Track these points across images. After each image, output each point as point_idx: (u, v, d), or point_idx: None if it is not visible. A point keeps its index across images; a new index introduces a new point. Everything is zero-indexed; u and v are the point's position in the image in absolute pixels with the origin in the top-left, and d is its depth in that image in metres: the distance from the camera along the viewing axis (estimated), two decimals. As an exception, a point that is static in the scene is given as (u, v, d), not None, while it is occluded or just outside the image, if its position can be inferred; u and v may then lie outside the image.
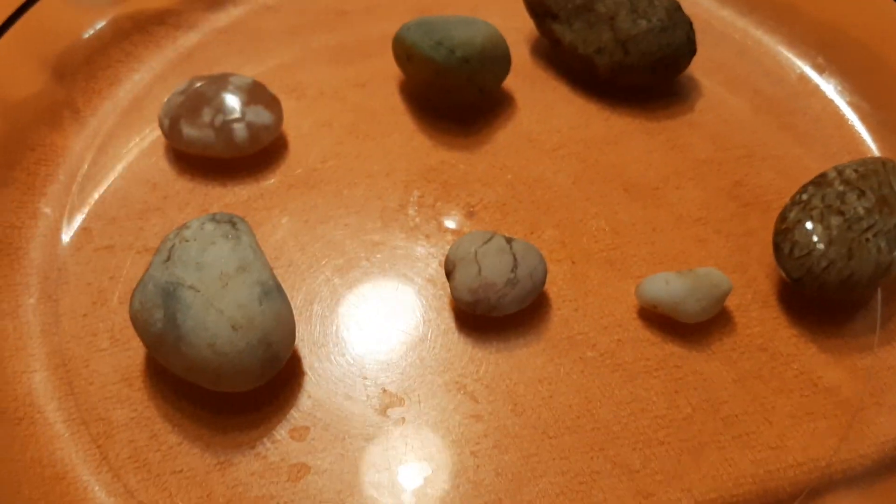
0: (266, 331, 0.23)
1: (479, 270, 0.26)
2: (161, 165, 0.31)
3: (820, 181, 0.27)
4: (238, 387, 0.24)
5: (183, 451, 0.24)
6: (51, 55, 0.32)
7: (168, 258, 0.24)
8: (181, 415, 0.25)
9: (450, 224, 0.29)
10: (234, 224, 0.25)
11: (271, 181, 0.30)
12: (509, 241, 0.26)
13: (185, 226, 0.25)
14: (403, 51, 0.31)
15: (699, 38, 0.33)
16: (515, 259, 0.26)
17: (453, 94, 0.31)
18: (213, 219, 0.25)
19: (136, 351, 0.26)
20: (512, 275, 0.26)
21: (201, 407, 0.25)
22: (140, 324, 0.24)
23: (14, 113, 0.30)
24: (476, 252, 0.26)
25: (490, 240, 0.26)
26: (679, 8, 0.32)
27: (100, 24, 0.33)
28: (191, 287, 0.23)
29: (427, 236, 0.29)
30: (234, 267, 0.24)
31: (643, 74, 0.32)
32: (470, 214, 0.30)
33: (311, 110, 0.32)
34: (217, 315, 0.23)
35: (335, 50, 0.35)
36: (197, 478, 0.24)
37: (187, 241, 0.24)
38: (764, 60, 0.35)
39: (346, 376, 0.26)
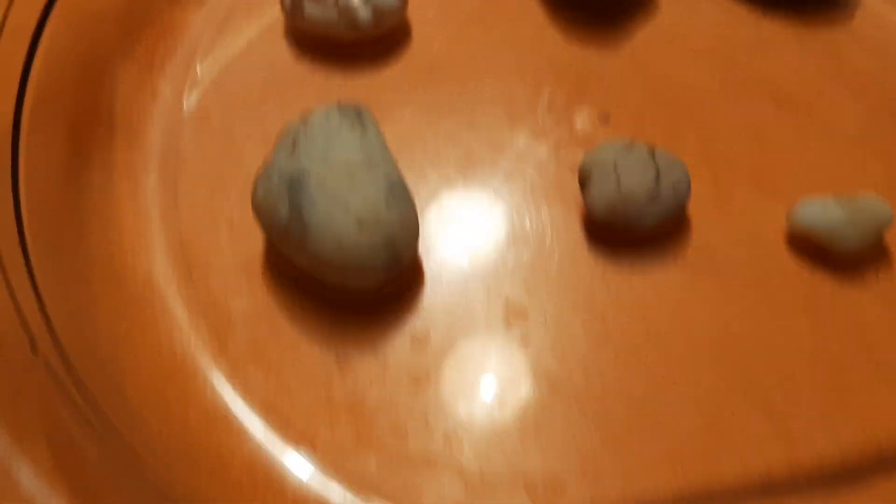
0: (392, 230, 0.22)
1: (619, 181, 0.24)
2: (281, 47, 0.29)
3: None
4: (361, 284, 0.23)
5: (303, 346, 0.23)
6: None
7: (293, 148, 0.23)
8: (300, 309, 0.24)
9: (583, 128, 0.27)
10: (360, 115, 0.24)
11: (393, 70, 0.29)
12: (652, 150, 0.24)
13: (309, 114, 0.24)
14: (544, -67, 0.28)
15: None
16: (658, 171, 0.24)
17: (594, -16, 0.29)
18: (339, 108, 0.24)
19: (255, 241, 0.25)
20: (654, 188, 0.24)
21: (321, 303, 0.24)
22: (264, 214, 0.23)
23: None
24: (615, 161, 0.24)
25: (631, 148, 0.24)
26: None
27: None
28: (317, 180, 0.22)
29: (557, 140, 0.27)
30: (360, 161, 0.23)
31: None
32: (605, 118, 0.27)
33: (437, -6, 0.30)
34: (343, 210, 0.22)
35: (464, -71, 0.32)
36: (316, 374, 0.23)
37: (313, 130, 0.23)
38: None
39: (468, 283, 0.25)
